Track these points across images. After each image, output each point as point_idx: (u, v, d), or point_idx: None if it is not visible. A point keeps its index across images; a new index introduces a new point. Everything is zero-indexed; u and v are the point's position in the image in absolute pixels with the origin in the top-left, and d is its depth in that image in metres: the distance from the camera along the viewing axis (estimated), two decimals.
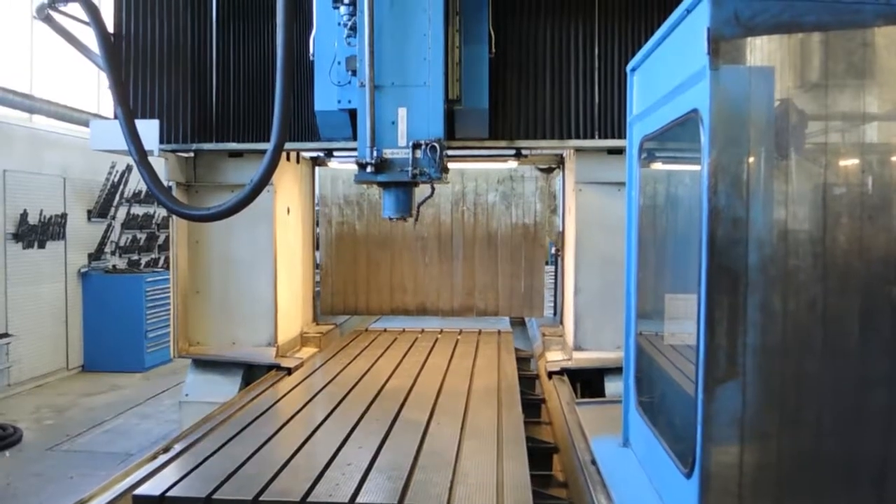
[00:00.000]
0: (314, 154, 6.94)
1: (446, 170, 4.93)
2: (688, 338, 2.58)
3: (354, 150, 4.89)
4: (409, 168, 4.65)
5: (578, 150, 5.71)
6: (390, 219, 5.01)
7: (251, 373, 5.85)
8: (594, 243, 5.67)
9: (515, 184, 7.44)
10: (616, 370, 5.33)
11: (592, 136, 5.47)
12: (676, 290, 2.98)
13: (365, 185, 7.25)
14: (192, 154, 5.88)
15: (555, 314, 7.41)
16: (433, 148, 4.64)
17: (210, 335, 5.98)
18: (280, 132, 4.49)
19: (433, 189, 4.83)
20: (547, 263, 7.67)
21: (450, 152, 5.40)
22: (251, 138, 5.70)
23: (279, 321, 6.02)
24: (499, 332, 7.25)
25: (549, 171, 7.33)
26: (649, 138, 3.24)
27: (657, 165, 3.46)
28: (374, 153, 4.66)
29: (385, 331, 7.34)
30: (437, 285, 7.59)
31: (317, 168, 7.30)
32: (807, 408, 2.26)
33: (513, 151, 6.01)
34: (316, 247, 7.46)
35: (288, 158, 6.35)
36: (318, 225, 7.59)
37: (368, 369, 5.55)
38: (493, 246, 7.49)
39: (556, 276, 7.48)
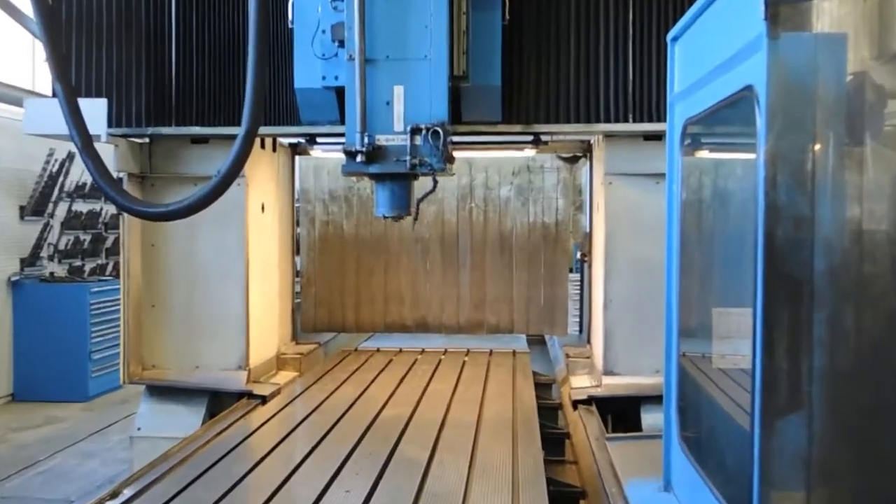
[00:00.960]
0: (294, 141, 6.95)
1: (451, 159, 4.94)
2: (741, 360, 2.56)
3: (342, 135, 4.91)
4: (407, 157, 4.66)
5: (609, 135, 5.72)
6: (384, 218, 5.02)
7: (218, 402, 5.87)
8: (628, 247, 5.69)
9: (533, 176, 7.46)
10: (655, 399, 5.33)
11: (625, 119, 5.49)
12: (727, 302, 2.96)
13: (354, 178, 7.35)
14: (146, 140, 5.91)
15: (581, 331, 7.44)
16: (435, 133, 4.65)
17: (168, 357, 6.00)
18: (253, 114, 4.50)
19: (435, 182, 4.84)
20: (571, 271, 7.73)
21: (455, 138, 5.40)
22: (218, 121, 5.72)
23: (252, 340, 6.04)
24: (514, 352, 7.27)
25: (573, 160, 7.35)
26: (694, 121, 3.24)
27: (703, 153, 3.46)
28: (366, 139, 4.67)
29: (378, 351, 7.36)
30: (440, 297, 7.62)
31: (297, 157, 7.33)
32: (887, 443, 2.25)
33: (530, 137, 6.03)
34: (296, 251, 7.48)
35: (262, 146, 6.37)
36: (298, 225, 7.62)
37: (358, 397, 5.56)
38: (506, 250, 7.51)
39: (582, 285, 7.49)
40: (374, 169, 4.75)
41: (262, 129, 4.96)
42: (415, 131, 4.68)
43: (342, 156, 4.80)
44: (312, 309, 7.61)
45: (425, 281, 7.61)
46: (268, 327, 6.53)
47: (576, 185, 7.38)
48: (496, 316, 7.55)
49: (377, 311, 7.65)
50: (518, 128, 5.61)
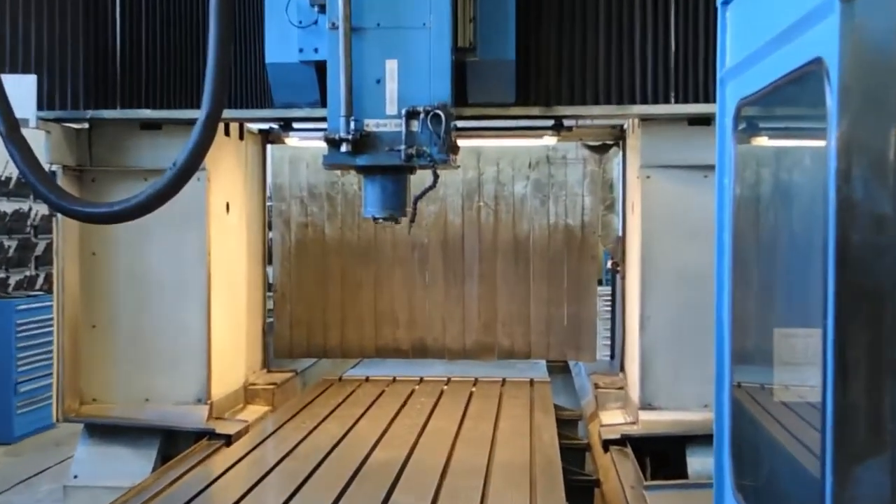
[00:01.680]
0: (265, 126, 6.98)
1: (455, 149, 4.95)
2: (809, 392, 2.54)
3: (323, 120, 4.92)
4: (402, 146, 4.68)
5: (646, 119, 5.75)
6: (375, 220, 5.04)
7: (172, 443, 5.89)
8: (669, 253, 5.72)
9: (554, 169, 7.48)
10: (703, 439, 5.32)
11: (666, 100, 5.51)
12: (792, 321, 2.96)
13: (338, 172, 7.35)
14: (85, 125, 5.93)
15: (612, 357, 7.44)
16: (436, 118, 4.65)
17: (112, 388, 6.01)
18: (215, 95, 4.51)
19: (436, 177, 4.84)
20: (601, 283, 7.76)
21: (460, 124, 5.45)
22: (173, 103, 5.74)
23: (214, 367, 6.06)
24: (531, 382, 7.29)
25: (602, 150, 7.39)
26: (750, 101, 3.23)
27: (761, 140, 3.45)
28: (352, 125, 4.68)
29: (367, 380, 7.39)
30: (442, 315, 7.63)
31: (269, 147, 7.35)
32: None
33: (550, 122, 6.05)
34: (268, 260, 7.50)
35: (227, 133, 6.40)
36: (270, 228, 7.64)
37: (343, 437, 5.57)
38: (522, 258, 7.54)
39: (613, 301, 7.51)
40: (361, 161, 4.76)
41: (227, 113, 4.96)
42: (411, 115, 4.69)
43: (323, 145, 4.81)
44: (288, 330, 7.62)
45: (424, 296, 7.63)
46: (233, 352, 6.55)
47: (606, 179, 7.40)
48: (510, 338, 7.56)
49: (366, 332, 7.65)
50: (536, 111, 5.64)
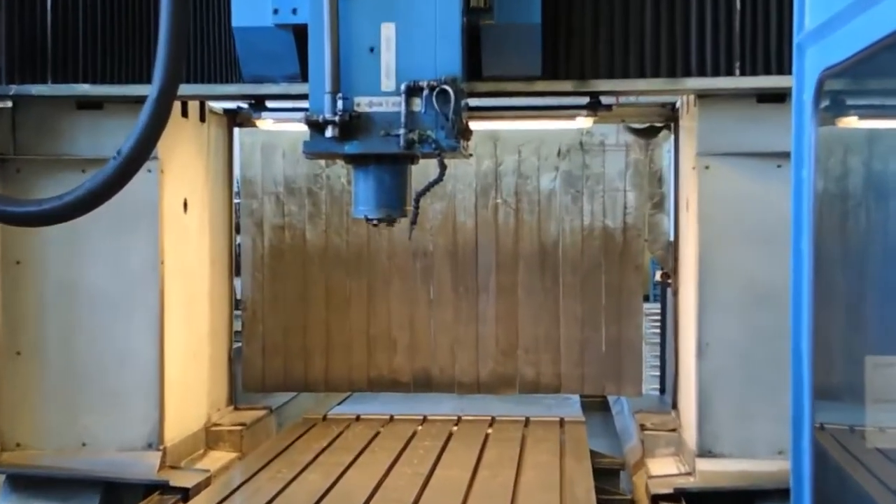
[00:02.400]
0: (232, 106, 6.98)
1: (467, 134, 4.94)
2: None
3: (304, 98, 4.92)
4: (402, 130, 4.69)
5: (704, 95, 5.75)
6: (368, 221, 5.05)
7: (116, 498, 5.85)
8: (733, 263, 5.71)
9: (590, 158, 7.47)
10: (776, 494, 5.31)
11: (729, 72, 5.50)
12: (888, 348, 2.94)
13: (322, 162, 7.36)
14: (8, 104, 5.92)
15: (662, 391, 7.44)
16: (443, 95, 4.66)
17: (41, 431, 5.99)
18: (169, 67, 4.49)
19: (443, 168, 4.84)
20: (647, 299, 7.72)
21: (473, 102, 5.44)
22: (118, 76, 5.74)
23: (168, 404, 6.05)
24: (561, 422, 7.26)
25: (649, 134, 7.38)
26: (836, 72, 3.20)
27: (850, 121, 3.42)
28: (339, 104, 4.69)
29: (358, 420, 7.37)
30: (450, 338, 7.62)
31: (237, 131, 7.35)
32: None
33: (585, 100, 6.05)
34: (235, 270, 7.51)
35: (185, 114, 6.40)
36: (238, 231, 7.63)
37: (328, 490, 5.54)
38: (549, 268, 7.52)
39: (663, 321, 7.51)
40: (351, 148, 4.77)
41: (184, 89, 4.96)
42: (412, 91, 4.70)
43: (304, 129, 4.82)
44: (259, 357, 7.61)
45: (428, 315, 7.62)
46: (193, 385, 6.53)
47: (653, 170, 7.39)
48: (535, 368, 7.54)
49: (356, 360, 7.64)
50: (567, 85, 5.63)
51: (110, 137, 5.46)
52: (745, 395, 5.66)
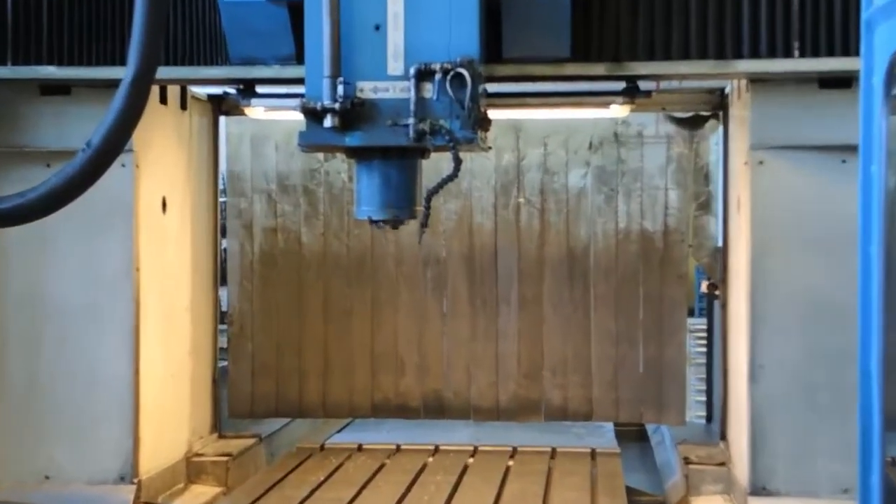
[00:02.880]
0: (218, 92, 7.01)
1: (485, 123, 4.95)
2: None
3: (299, 82, 4.94)
4: (411, 119, 4.70)
5: (758, 80, 5.75)
6: (372, 223, 5.05)
7: None
8: (791, 273, 5.70)
9: (626, 151, 7.47)
10: None
11: (787, 53, 5.48)
12: None
13: (321, 155, 7.39)
14: None
15: (709, 419, 7.42)
16: (458, 79, 4.66)
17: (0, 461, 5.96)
18: (146, 47, 4.45)
19: (459, 162, 4.82)
20: (692, 313, 7.75)
21: (492, 88, 5.40)
22: (86, 58, 5.73)
23: (143, 431, 6.04)
24: (593, 453, 7.26)
25: (695, 124, 7.37)
26: None
27: None
28: (340, 89, 4.69)
29: (360, 450, 7.36)
30: (466, 357, 7.63)
31: (223, 120, 7.38)
32: None
33: (621, 85, 6.04)
34: (221, 278, 7.51)
35: (164, 100, 6.41)
36: (224, 235, 7.64)
37: None
38: (579, 278, 7.52)
39: (710, 339, 7.49)
40: (353, 140, 4.78)
41: (163, 72, 4.96)
42: (423, 75, 4.70)
43: (299, 117, 4.82)
44: (248, 378, 7.61)
45: (441, 330, 7.63)
46: (172, 410, 6.52)
47: (699, 166, 7.38)
48: (562, 391, 7.52)
49: (359, 381, 7.63)
50: (600, 69, 5.62)
51: (79, 127, 5.45)
52: (804, 425, 5.64)
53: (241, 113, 6.87)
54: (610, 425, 7.91)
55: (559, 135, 7.49)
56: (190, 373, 6.88)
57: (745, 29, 5.48)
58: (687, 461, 6.60)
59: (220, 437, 7.31)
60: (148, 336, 6.14)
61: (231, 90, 6.58)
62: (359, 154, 4.95)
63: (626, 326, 7.47)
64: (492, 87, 5.41)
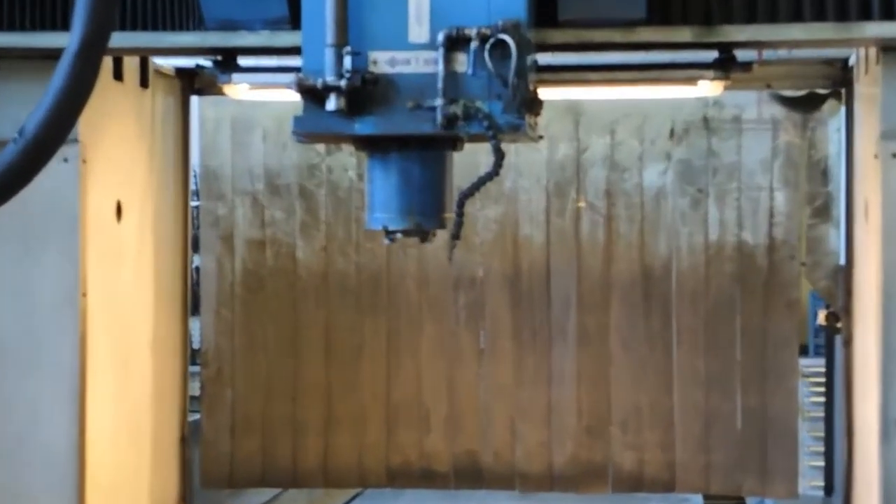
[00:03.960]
0: (189, 64, 7.06)
1: (535, 105, 5.01)
2: None
3: (292, 53, 5.04)
4: (439, 100, 4.74)
5: (890, 48, 5.73)
6: (387, 234, 5.10)
7: None
8: None
9: (719, 140, 7.53)
10: None
11: None
12: None
13: (321, 147, 7.49)
14: None
15: (829, 490, 7.36)
16: (500, 48, 4.68)
17: None
18: (95, 7, 4.45)
19: (501, 156, 4.87)
20: (805, 352, 7.77)
21: (544, 60, 5.48)
22: (19, 21, 5.73)
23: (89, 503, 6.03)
24: None
25: (808, 105, 7.42)
26: None
27: None
28: (347, 62, 4.72)
29: None
30: (509, 408, 7.66)
31: (196, 101, 7.49)
32: None
33: (712, 55, 6.06)
34: (193, 306, 7.57)
35: (119, 76, 6.46)
36: (196, 249, 7.75)
37: None
38: (658, 305, 7.59)
39: (830, 386, 7.48)
40: (364, 128, 4.82)
41: (118, 39, 4.94)
42: (455, 43, 4.74)
43: (294, 98, 4.87)
44: (226, 436, 7.64)
45: (476, 373, 7.69)
46: (127, 479, 6.52)
47: (814, 159, 7.41)
48: (636, 453, 7.54)
49: (371, 439, 7.65)
50: (685, 34, 5.63)
51: (9, 110, 5.44)
52: None
53: (220, 92, 6.76)
54: (698, 498, 7.92)
55: (631, 120, 7.54)
56: (151, 430, 6.86)
57: None
58: None
59: None
60: (97, 383, 6.12)
61: (206, 62, 6.41)
62: (371, 145, 4.98)
63: (718, 369, 7.49)
64: (543, 59, 5.44)
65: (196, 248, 7.70)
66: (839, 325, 6.96)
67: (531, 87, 4.90)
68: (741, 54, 6.12)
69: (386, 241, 5.30)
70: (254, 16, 5.52)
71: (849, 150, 6.91)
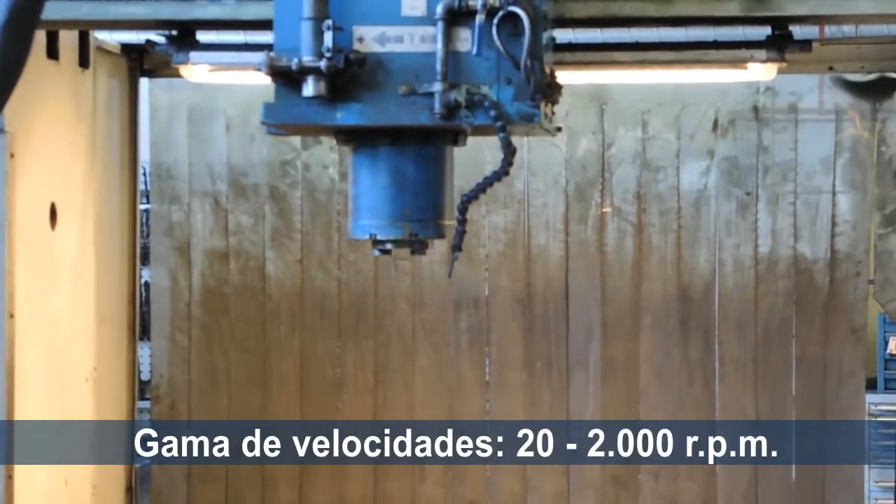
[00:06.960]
0: (138, 40, 7.09)
1: (552, 91, 4.90)
2: None
3: (261, 27, 5.04)
4: (438, 86, 4.69)
5: None
6: (375, 245, 5.03)
7: None
8: None
9: (770, 133, 7.53)
10: None
11: None
12: None
13: (296, 141, 7.56)
14: None
15: None
16: (511, 21, 4.64)
17: None
18: None
19: (511, 151, 4.74)
20: (873, 386, 7.62)
21: (562, 36, 5.46)
22: None
23: None
24: None
25: (878, 92, 7.37)
26: None
27: None
28: (328, 39, 4.66)
29: None
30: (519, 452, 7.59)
31: (146, 84, 7.51)
32: None
33: (765, 32, 6.10)
34: (141, 330, 7.56)
35: (53, 54, 6.46)
36: (146, 262, 7.79)
37: None
38: (696, 330, 7.59)
39: None
40: (348, 117, 4.81)
41: (53, 9, 4.76)
42: (457, 16, 4.68)
43: (265, 81, 4.78)
44: (182, 485, 7.64)
45: (482, 411, 7.68)
46: None
47: (886, 157, 7.34)
48: None
49: (354, 490, 7.68)
50: (732, 6, 5.57)
51: None
52: None
53: (175, 74, 6.86)
54: None
55: (666, 109, 7.52)
56: (91, 478, 6.82)
57: None
58: None
59: None
60: (25, 434, 6.03)
61: (158, 38, 6.43)
62: (357, 138, 4.91)
63: (770, 406, 7.46)
64: (562, 36, 5.43)
65: (146, 261, 7.74)
66: None
67: (547, 70, 4.84)
68: (799, 31, 6.19)
69: (374, 254, 5.29)
70: None
71: None
